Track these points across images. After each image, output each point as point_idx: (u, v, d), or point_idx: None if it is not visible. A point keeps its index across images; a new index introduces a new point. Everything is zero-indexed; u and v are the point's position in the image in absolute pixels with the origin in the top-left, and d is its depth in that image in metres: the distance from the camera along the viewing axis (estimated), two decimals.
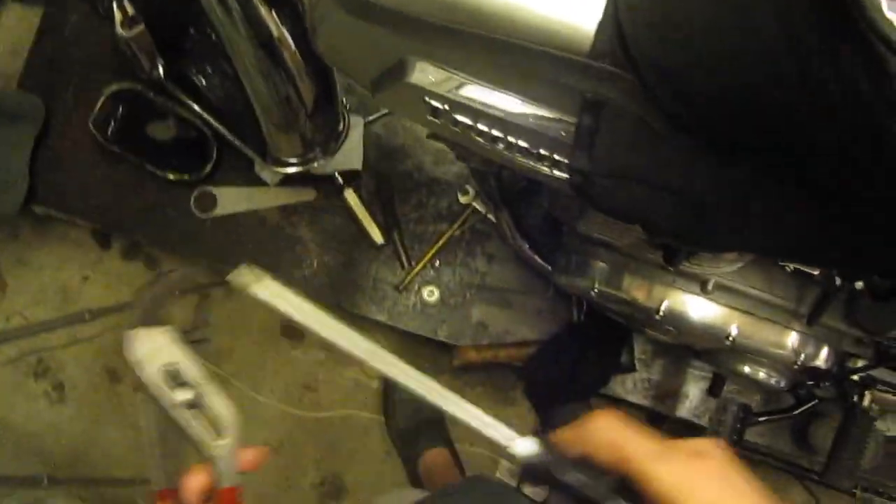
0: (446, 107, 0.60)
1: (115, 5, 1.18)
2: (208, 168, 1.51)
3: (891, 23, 0.32)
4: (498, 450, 0.49)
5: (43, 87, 1.55)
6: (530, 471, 0.49)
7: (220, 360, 1.66)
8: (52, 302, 1.67)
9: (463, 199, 1.50)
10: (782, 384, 1.03)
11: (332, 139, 1.31)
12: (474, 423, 0.48)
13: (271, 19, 1.01)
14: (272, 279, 0.50)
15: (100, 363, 1.65)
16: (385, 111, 1.50)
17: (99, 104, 1.48)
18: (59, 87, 1.55)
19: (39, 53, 1.58)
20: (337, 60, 0.71)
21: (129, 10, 1.19)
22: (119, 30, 1.21)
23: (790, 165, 0.49)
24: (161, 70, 1.32)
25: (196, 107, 1.35)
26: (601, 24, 0.49)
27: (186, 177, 1.51)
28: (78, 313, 1.60)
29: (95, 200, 1.54)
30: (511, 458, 0.48)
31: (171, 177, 1.50)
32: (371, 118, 1.50)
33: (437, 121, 0.63)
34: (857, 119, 0.37)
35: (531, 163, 0.63)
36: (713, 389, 1.33)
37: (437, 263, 1.51)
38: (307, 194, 1.52)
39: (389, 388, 1.62)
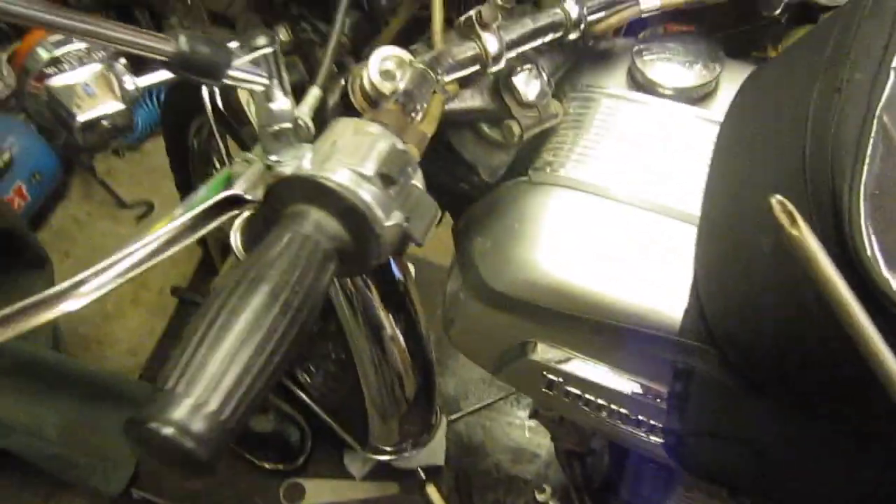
0: (561, 380, 0.74)
1: None
2: (301, 460, 1.63)
3: None
4: None
5: None
6: None
7: None
8: None
9: (540, 498, 1.56)
10: None
11: (424, 432, 1.44)
12: None
13: (388, 321, 1.21)
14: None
15: None
16: (468, 410, 1.65)
17: None
18: None
19: (160, 356, 1.81)
20: (465, 346, 0.87)
21: None
22: None
23: (853, 426, 0.60)
24: None
25: (307, 400, 1.52)
26: (688, 309, 0.65)
27: (280, 467, 1.62)
28: None
29: (190, 486, 1.65)
30: None
31: (267, 466, 1.62)
32: (454, 417, 1.64)
33: (551, 393, 0.77)
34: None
35: (630, 428, 0.75)
36: None
37: None
38: (391, 488, 1.61)
39: None
